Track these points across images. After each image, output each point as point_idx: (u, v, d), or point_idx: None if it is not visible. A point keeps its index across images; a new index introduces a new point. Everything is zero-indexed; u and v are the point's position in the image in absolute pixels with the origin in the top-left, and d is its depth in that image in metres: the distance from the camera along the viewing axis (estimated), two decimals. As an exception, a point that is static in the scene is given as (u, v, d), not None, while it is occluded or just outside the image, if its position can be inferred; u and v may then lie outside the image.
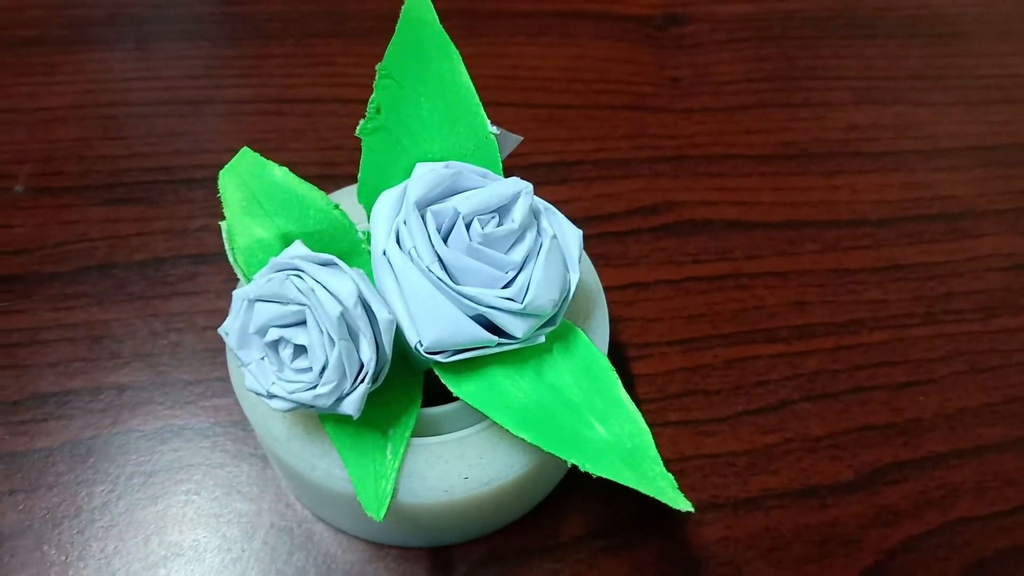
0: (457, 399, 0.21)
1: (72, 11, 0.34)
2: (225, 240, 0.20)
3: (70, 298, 0.26)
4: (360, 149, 0.21)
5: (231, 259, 0.20)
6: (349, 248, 0.21)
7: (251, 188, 0.21)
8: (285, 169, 0.21)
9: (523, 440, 0.19)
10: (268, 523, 0.23)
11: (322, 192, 0.21)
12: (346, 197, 0.23)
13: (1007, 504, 0.24)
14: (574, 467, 0.22)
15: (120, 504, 0.22)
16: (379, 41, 0.34)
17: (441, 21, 0.37)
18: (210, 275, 0.27)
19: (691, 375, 0.26)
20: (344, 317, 0.18)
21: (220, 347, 0.26)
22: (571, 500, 0.23)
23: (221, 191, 0.21)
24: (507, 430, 0.20)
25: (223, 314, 0.26)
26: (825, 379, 0.26)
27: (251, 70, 0.33)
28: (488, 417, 0.20)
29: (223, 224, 0.20)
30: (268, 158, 0.30)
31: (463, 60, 0.21)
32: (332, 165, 0.30)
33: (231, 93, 0.32)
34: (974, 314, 0.28)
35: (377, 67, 0.20)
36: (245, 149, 0.21)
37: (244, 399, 0.21)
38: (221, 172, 0.21)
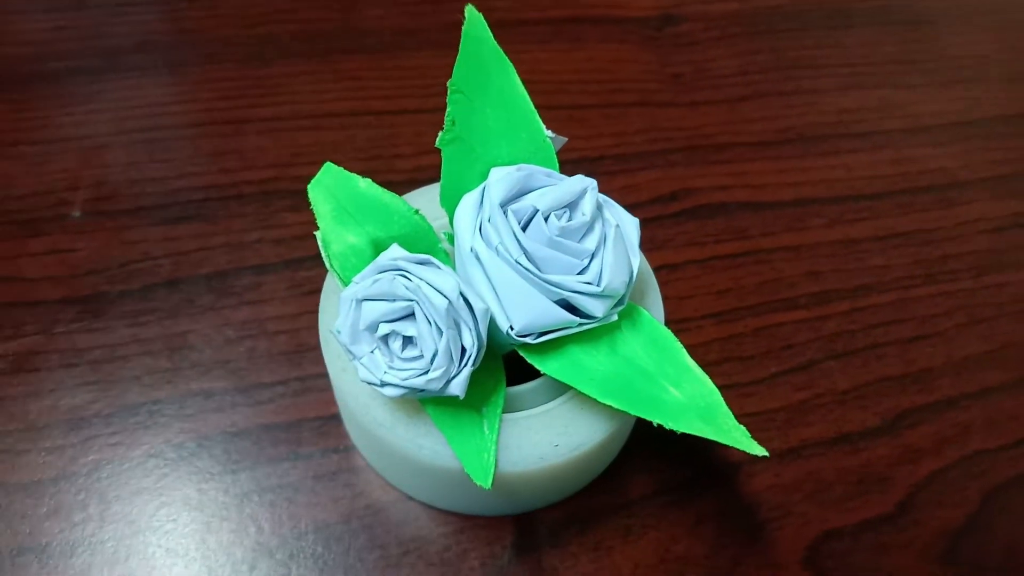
0: (536, 378, 0.24)
1: (102, 41, 0.36)
2: (321, 248, 0.22)
3: (143, 314, 0.28)
4: (439, 154, 0.23)
5: (328, 265, 0.22)
6: (428, 248, 0.23)
7: (338, 199, 0.23)
8: (368, 180, 0.23)
9: (601, 407, 0.22)
10: (364, 504, 0.25)
11: (402, 198, 0.23)
12: (412, 201, 0.26)
13: (1013, 437, 0.28)
14: (634, 432, 0.25)
15: (236, 495, 0.24)
16: (399, 54, 0.37)
17: (452, 32, 0.39)
18: (272, 283, 0.29)
19: (726, 344, 0.29)
20: (449, 309, 0.20)
21: (292, 349, 0.28)
22: (634, 463, 0.26)
23: (312, 203, 0.23)
24: (585, 400, 0.22)
25: (289, 318, 0.28)
26: (844, 339, 0.29)
27: (282, 88, 0.35)
28: (571, 389, 0.23)
29: (317, 234, 0.22)
30: (308, 170, 0.32)
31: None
32: (374, 174, 0.32)
33: (267, 111, 0.34)
34: (967, 273, 0.32)
35: (448, 83, 0.22)
36: (328, 164, 0.23)
37: (344, 392, 0.23)
38: (309, 186, 0.23)
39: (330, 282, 0.24)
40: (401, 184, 0.32)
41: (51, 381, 0.26)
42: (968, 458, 0.27)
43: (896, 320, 0.30)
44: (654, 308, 0.24)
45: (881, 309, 0.30)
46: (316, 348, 0.27)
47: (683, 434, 0.20)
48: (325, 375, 0.27)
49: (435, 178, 0.32)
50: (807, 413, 0.28)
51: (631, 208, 0.32)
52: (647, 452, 0.26)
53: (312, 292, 0.29)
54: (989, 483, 0.27)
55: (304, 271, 0.29)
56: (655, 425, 0.20)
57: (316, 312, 0.28)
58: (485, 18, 0.37)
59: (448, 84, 0.22)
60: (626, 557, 0.24)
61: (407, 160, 0.33)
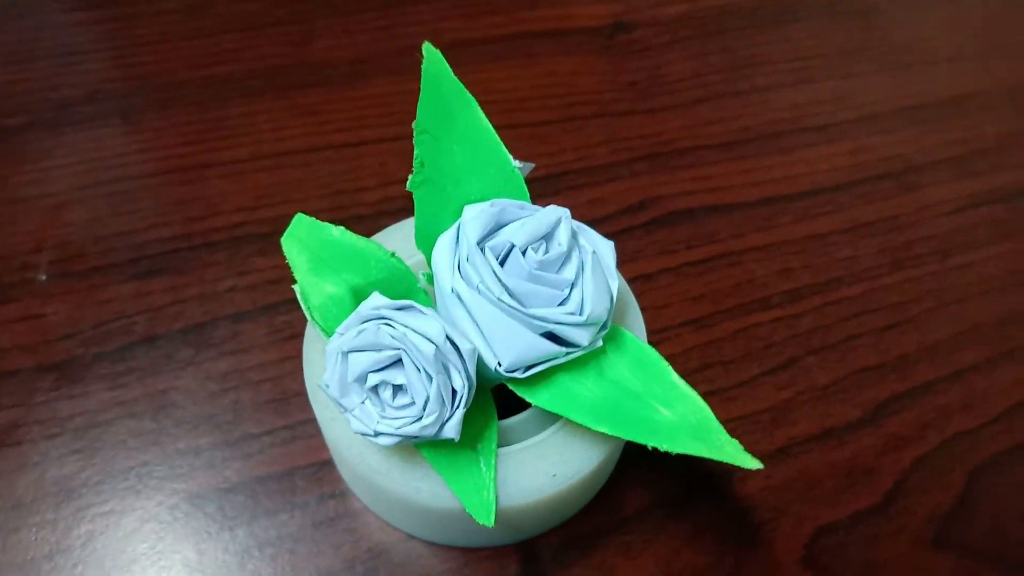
0: (525, 408, 0.24)
1: (52, 94, 0.35)
2: (300, 301, 0.22)
3: (122, 375, 0.28)
4: (405, 183, 0.23)
5: (309, 317, 0.22)
6: (407, 289, 0.23)
7: (313, 249, 0.23)
8: (341, 228, 0.23)
9: (594, 433, 0.22)
10: (365, 548, 0.25)
11: (377, 243, 0.23)
12: (385, 240, 0.26)
13: (990, 415, 0.28)
14: (624, 450, 0.25)
15: (236, 552, 0.24)
16: (356, 84, 0.37)
17: (406, 56, 0.39)
18: (250, 332, 0.29)
19: (706, 350, 0.29)
20: (437, 354, 0.20)
21: (277, 397, 0.27)
22: (627, 480, 0.26)
23: (287, 256, 0.23)
24: (578, 427, 0.23)
25: (271, 366, 0.28)
26: (820, 334, 0.30)
27: (241, 129, 0.34)
28: (563, 418, 0.23)
29: (296, 287, 0.22)
30: (275, 212, 0.32)
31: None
32: (339, 209, 0.32)
33: (227, 154, 0.33)
34: (932, 256, 0.32)
35: (413, 125, 0.22)
36: (299, 215, 0.23)
37: (336, 441, 0.23)
38: (283, 239, 0.23)
39: (311, 330, 0.24)
40: (369, 218, 0.32)
41: (35, 453, 0.26)
42: (949, 441, 0.28)
43: (868, 310, 0.31)
44: (635, 326, 0.25)
45: (853, 301, 0.31)
46: (301, 394, 0.27)
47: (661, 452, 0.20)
48: (313, 420, 0.27)
49: (403, 209, 0.32)
50: (791, 411, 0.28)
51: (600, 221, 0.32)
52: (639, 468, 0.26)
53: (291, 337, 0.29)
54: (971, 463, 0.27)
55: (281, 316, 0.29)
56: (649, 448, 0.21)
57: (297, 357, 0.28)
58: (435, 42, 0.37)
59: (413, 125, 0.22)
60: (630, 574, 0.25)
61: (372, 192, 0.33)
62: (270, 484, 0.26)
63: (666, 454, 0.21)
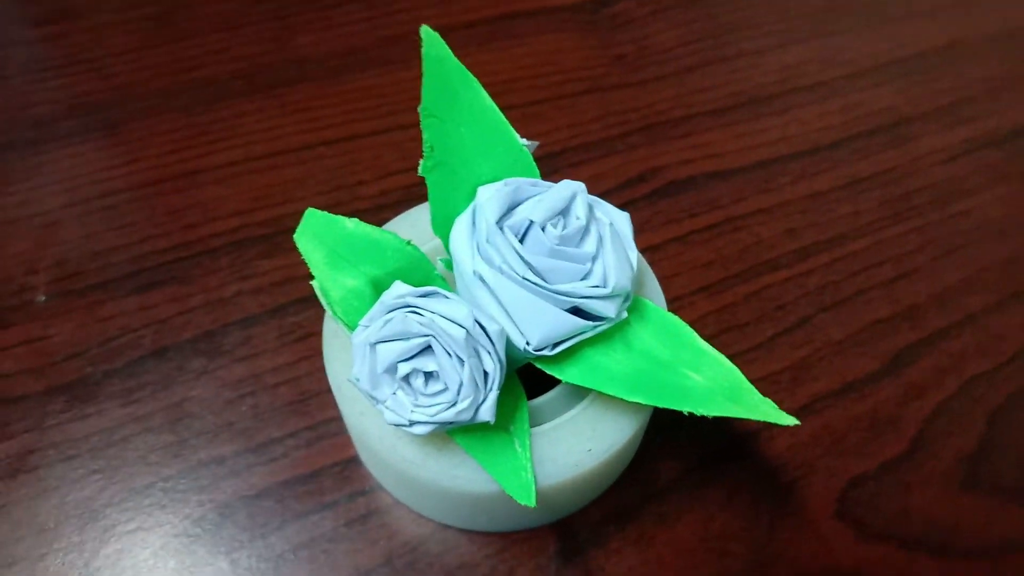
0: (552, 386, 0.24)
1: (32, 111, 0.34)
2: (320, 297, 0.22)
3: (135, 390, 0.27)
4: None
5: (331, 313, 0.22)
6: (425, 277, 0.23)
7: (328, 244, 0.22)
8: (355, 219, 0.22)
9: (624, 403, 0.22)
10: (401, 541, 0.24)
11: (393, 232, 0.22)
12: (396, 230, 0.25)
13: (1004, 356, 0.29)
14: (649, 424, 0.25)
15: (270, 559, 0.24)
16: (342, 78, 0.36)
17: (392, 47, 0.38)
18: (261, 335, 0.28)
19: (720, 315, 0.29)
20: (468, 338, 0.20)
21: (296, 399, 0.27)
22: (655, 450, 0.26)
23: (302, 253, 0.22)
24: (608, 400, 0.22)
25: (286, 368, 0.28)
26: (830, 290, 0.30)
27: (231, 131, 0.34)
28: (591, 393, 0.23)
29: (314, 283, 0.22)
30: (274, 213, 0.32)
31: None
32: (339, 206, 0.32)
33: (219, 158, 0.33)
34: (931, 206, 0.33)
35: (419, 109, 0.22)
36: (310, 210, 0.23)
37: (367, 435, 0.22)
38: (295, 236, 0.22)
39: (329, 326, 0.24)
40: (369, 211, 0.31)
41: (53, 478, 0.25)
42: (967, 384, 0.28)
43: (875, 263, 0.31)
44: (655, 296, 0.25)
45: (859, 255, 0.31)
46: (320, 394, 0.27)
47: (700, 415, 0.20)
48: (335, 419, 0.26)
49: (402, 200, 0.32)
50: (810, 368, 0.28)
51: (603, 196, 0.32)
52: (665, 437, 0.26)
53: (303, 337, 0.28)
54: (991, 404, 0.28)
55: (291, 317, 0.29)
56: (686, 413, 0.20)
57: (313, 357, 0.28)
58: (419, 28, 0.37)
59: (419, 109, 0.22)
60: (668, 544, 0.25)
61: (370, 186, 0.32)
62: (297, 487, 0.25)
63: (692, 420, 0.21)
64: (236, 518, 0.25)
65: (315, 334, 0.28)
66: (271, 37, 0.37)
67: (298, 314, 0.29)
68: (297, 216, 0.31)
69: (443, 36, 0.22)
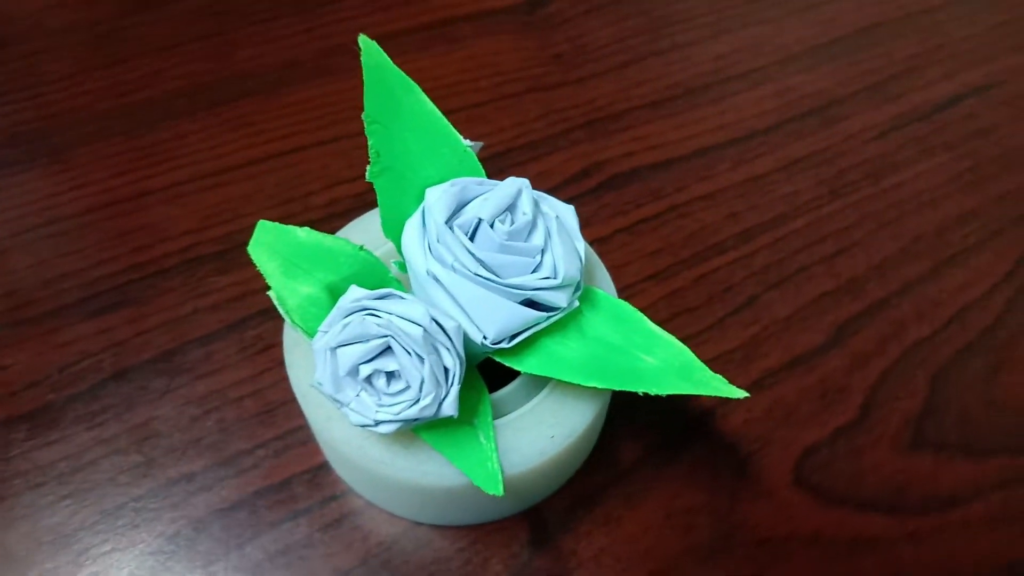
0: (511, 379, 0.25)
1: (-31, 144, 0.34)
2: (277, 305, 0.22)
3: (98, 414, 0.27)
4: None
5: (289, 321, 0.22)
6: (380, 280, 0.23)
7: (282, 253, 0.23)
8: (306, 228, 0.23)
9: (583, 390, 0.23)
10: (376, 542, 0.25)
11: (345, 239, 0.23)
12: (349, 237, 0.26)
13: (940, 321, 0.30)
14: (610, 409, 0.26)
15: (248, 569, 0.24)
16: (284, 91, 0.36)
17: (332, 57, 0.39)
18: (221, 351, 0.29)
19: (671, 300, 0.30)
20: (426, 336, 0.20)
21: (261, 410, 0.27)
22: (617, 434, 0.27)
23: (256, 263, 0.23)
24: (567, 387, 0.23)
25: (248, 381, 0.28)
26: (774, 269, 0.31)
27: (175, 151, 0.34)
28: (551, 382, 0.23)
29: (270, 292, 0.22)
30: (225, 229, 0.32)
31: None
32: (290, 217, 0.32)
33: (165, 179, 0.33)
34: (866, 181, 0.34)
35: (363, 116, 0.23)
36: (262, 222, 0.23)
37: (334, 440, 0.23)
38: (249, 247, 0.23)
39: (290, 336, 0.24)
40: (321, 221, 0.32)
41: (21, 506, 0.25)
42: (909, 350, 0.29)
43: (815, 240, 0.32)
44: (605, 285, 0.25)
45: (800, 233, 0.32)
46: (284, 403, 0.27)
47: (656, 395, 0.21)
48: (301, 427, 0.27)
49: (352, 208, 0.32)
50: (759, 345, 0.29)
51: (550, 192, 0.33)
52: (625, 421, 0.27)
53: (263, 350, 0.29)
54: (932, 367, 0.29)
55: (250, 330, 0.29)
56: (641, 394, 0.21)
57: (274, 368, 0.28)
58: (359, 37, 0.37)
59: (363, 116, 0.23)
60: (636, 522, 0.25)
61: (320, 195, 0.33)
62: (270, 496, 0.26)
63: (646, 402, 0.22)
64: (211, 531, 0.25)
65: (276, 345, 0.28)
66: (210, 55, 0.37)
67: (257, 327, 0.29)
68: (249, 231, 0.32)
69: (383, 43, 0.23)
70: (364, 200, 0.32)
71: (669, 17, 0.40)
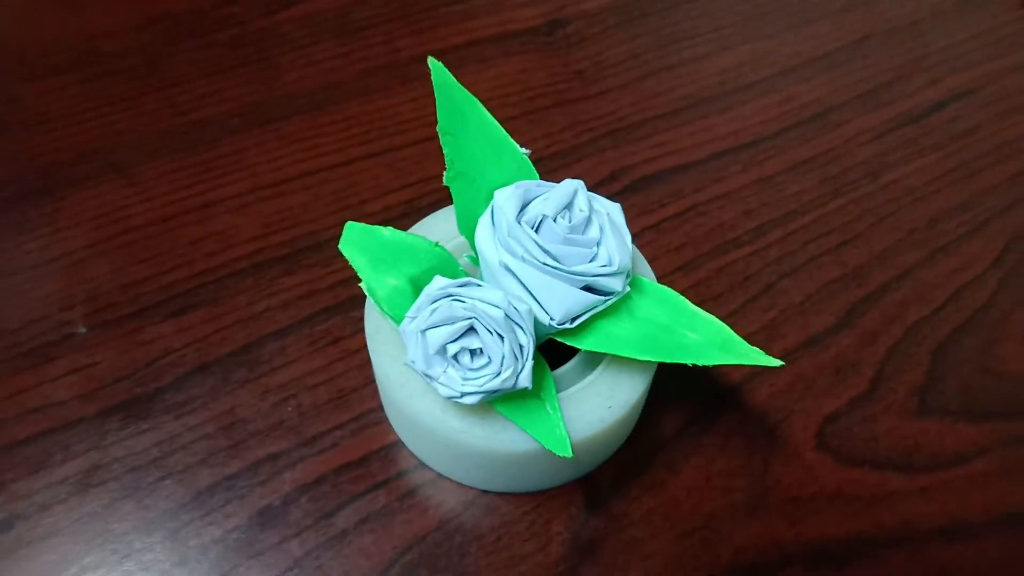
0: (569, 358, 0.28)
1: (39, 160, 0.36)
2: (368, 295, 0.25)
3: (185, 403, 0.30)
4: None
5: (380, 310, 0.25)
6: (453, 273, 0.26)
7: (369, 250, 0.26)
8: (390, 228, 0.26)
9: (634, 364, 0.26)
10: (448, 508, 0.28)
11: (423, 236, 0.26)
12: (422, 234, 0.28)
13: (939, 301, 0.34)
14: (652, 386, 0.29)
15: (335, 537, 0.27)
16: (330, 109, 0.39)
17: (370, 78, 0.42)
18: (294, 344, 0.31)
19: (697, 289, 0.33)
20: (506, 317, 0.23)
21: (335, 396, 0.30)
22: (659, 409, 0.30)
23: (348, 259, 0.25)
24: (620, 363, 0.26)
25: (322, 371, 0.31)
26: (788, 259, 0.35)
27: (235, 165, 0.36)
28: (605, 358, 0.26)
29: (362, 284, 0.25)
30: (288, 235, 0.35)
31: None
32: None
33: (228, 190, 0.36)
34: (865, 179, 0.38)
35: (438, 129, 0.26)
36: (350, 223, 0.26)
37: (417, 413, 0.25)
38: (340, 245, 0.26)
39: (371, 324, 0.27)
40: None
41: (121, 488, 0.28)
42: (911, 328, 0.33)
43: (822, 233, 0.35)
44: (647, 273, 0.29)
45: (808, 227, 0.36)
46: (356, 389, 0.30)
47: (694, 369, 0.24)
48: (373, 410, 0.30)
49: (404, 214, 0.35)
50: (778, 327, 0.32)
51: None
52: (664, 398, 0.30)
53: (333, 342, 0.31)
54: (932, 343, 0.32)
55: (319, 325, 0.32)
56: (689, 365, 0.24)
57: (344, 359, 0.31)
58: (394, 60, 0.41)
59: (437, 129, 0.26)
60: (679, 486, 0.28)
61: (373, 203, 0.36)
62: (349, 472, 0.28)
63: (687, 379, 0.25)
64: (299, 503, 0.27)
65: (343, 338, 0.31)
66: (257, 78, 0.40)
67: (325, 322, 0.32)
68: (311, 236, 0.35)
69: (418, 66, 0.26)
70: (413, 207, 0.35)
71: (677, 35, 0.44)
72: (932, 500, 0.29)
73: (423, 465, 0.29)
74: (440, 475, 0.28)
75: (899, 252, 0.35)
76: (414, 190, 0.36)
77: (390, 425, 0.29)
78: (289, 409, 0.30)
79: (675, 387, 0.30)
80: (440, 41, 0.42)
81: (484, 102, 0.25)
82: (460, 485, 0.28)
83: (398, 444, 0.29)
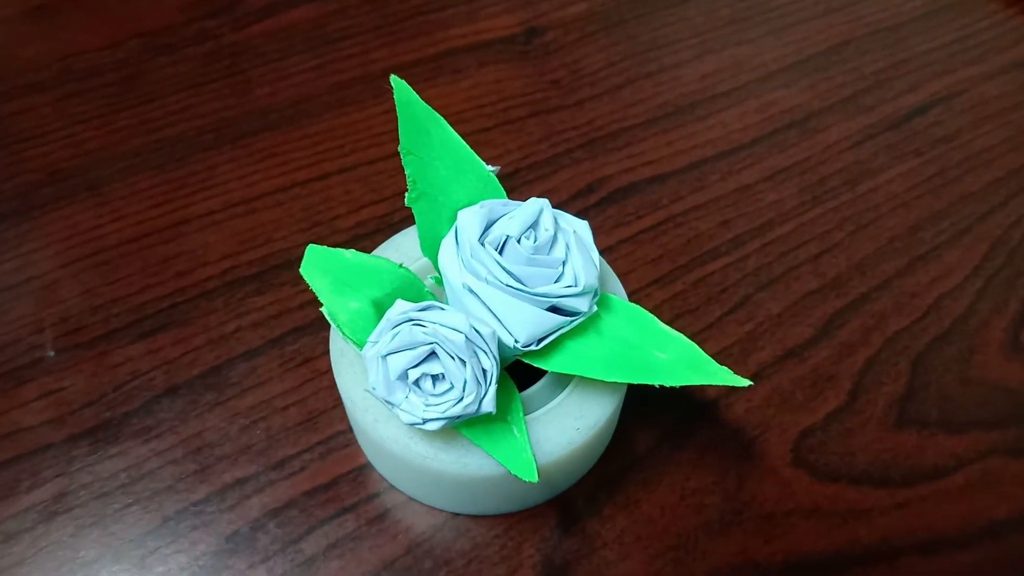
0: (537, 379, 0.27)
1: (12, 182, 0.36)
2: (330, 320, 0.25)
3: (153, 428, 0.29)
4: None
5: (341, 334, 0.25)
6: (418, 294, 0.26)
7: (331, 273, 0.25)
8: (351, 250, 0.25)
9: (604, 385, 0.26)
10: (418, 532, 0.27)
11: (386, 259, 0.26)
12: (386, 256, 0.28)
13: (919, 311, 0.33)
14: (624, 403, 0.29)
15: (303, 563, 0.26)
16: (303, 123, 0.39)
17: (343, 90, 0.41)
18: (266, 365, 0.31)
19: (673, 303, 0.33)
20: (467, 342, 0.23)
21: (305, 418, 0.30)
22: (633, 425, 0.30)
23: (309, 283, 0.25)
24: (588, 383, 0.26)
25: (292, 392, 0.30)
26: (765, 271, 0.34)
27: (206, 182, 0.36)
28: (574, 379, 0.26)
29: (323, 309, 0.25)
30: (260, 253, 0.35)
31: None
32: (319, 240, 0.34)
33: (199, 208, 0.35)
34: (844, 187, 0.37)
35: (399, 149, 0.25)
36: (311, 246, 0.25)
37: (383, 439, 0.25)
38: (301, 269, 0.25)
39: (335, 347, 0.27)
40: (348, 243, 0.34)
41: (89, 515, 0.27)
42: (891, 339, 0.32)
43: (801, 243, 0.35)
44: (617, 290, 0.28)
45: (786, 237, 0.35)
46: (325, 412, 0.30)
47: (666, 387, 0.24)
48: (343, 432, 0.29)
49: (376, 230, 0.35)
50: (755, 340, 0.32)
51: (557, 208, 0.36)
52: (638, 413, 0.30)
53: (303, 363, 0.31)
54: (912, 352, 0.32)
55: (289, 345, 0.31)
56: (656, 386, 0.24)
57: (314, 379, 0.31)
58: (367, 72, 0.40)
59: (399, 149, 0.25)
60: (653, 504, 0.28)
61: (345, 219, 0.35)
62: (319, 496, 0.28)
63: (660, 396, 0.24)
64: (266, 529, 0.27)
65: (314, 358, 0.31)
66: (230, 92, 0.40)
67: (296, 342, 0.31)
68: (283, 253, 0.34)
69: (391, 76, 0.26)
70: (387, 222, 0.35)
71: (655, 41, 0.43)
72: (910, 514, 0.28)
73: (393, 488, 0.28)
74: (410, 498, 0.28)
75: (879, 261, 0.35)
76: (388, 204, 0.36)
77: (360, 447, 0.29)
78: (258, 432, 0.29)
79: (651, 402, 0.30)
80: (415, 52, 0.42)
81: (458, 113, 0.24)
82: (430, 508, 0.28)
83: (368, 467, 0.29)
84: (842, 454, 0.29)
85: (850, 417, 0.30)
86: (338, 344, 0.26)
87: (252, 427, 0.29)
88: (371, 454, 0.28)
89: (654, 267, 0.34)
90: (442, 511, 0.28)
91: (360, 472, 0.28)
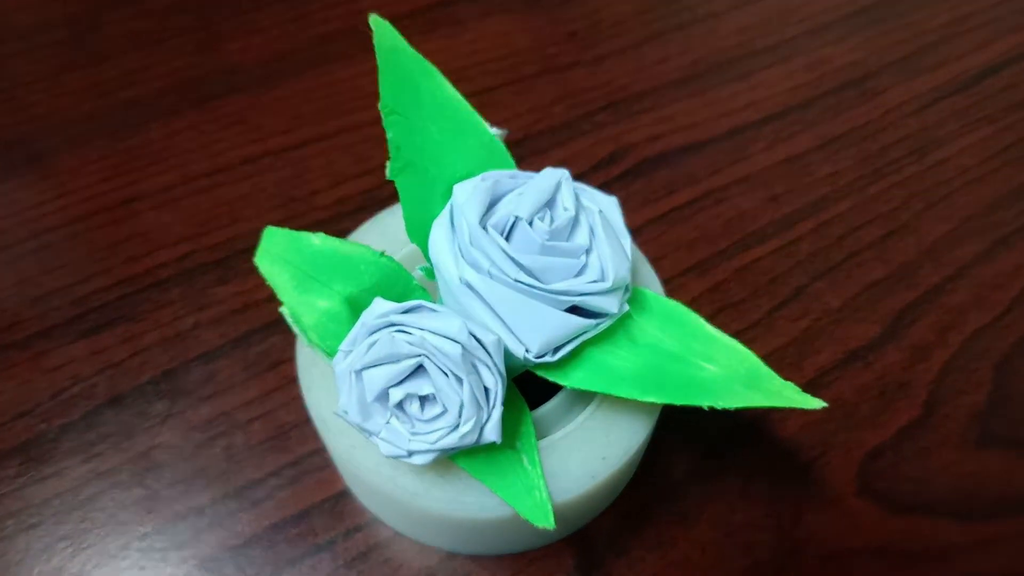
0: (551, 395, 0.22)
1: (-61, 154, 0.31)
2: (291, 323, 0.20)
3: (95, 444, 0.25)
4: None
5: (306, 340, 0.20)
6: (404, 289, 0.21)
7: (294, 264, 0.20)
8: (321, 234, 0.20)
9: (634, 404, 0.21)
10: (408, 575, 0.23)
11: (365, 245, 0.20)
12: (364, 240, 0.23)
13: (1002, 305, 0.28)
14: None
15: (257, 620, 0.22)
16: (279, 83, 0.34)
17: (326, 45, 0.36)
18: (225, 370, 0.26)
19: (713, 294, 0.28)
20: (464, 354, 0.18)
21: (272, 434, 0.25)
22: (665, 444, 0.25)
23: (265, 277, 0.20)
24: (616, 401, 0.21)
25: (257, 403, 0.26)
26: (821, 256, 0.29)
27: (164, 152, 0.31)
28: (597, 396, 0.21)
29: (283, 309, 0.20)
30: (224, 235, 0.30)
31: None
32: (295, 219, 0.29)
33: (156, 182, 0.30)
34: (909, 158, 0.32)
35: (380, 107, 0.20)
36: (269, 228, 0.20)
37: (361, 469, 0.20)
38: (256, 259, 0.20)
39: (304, 354, 0.22)
40: (328, 222, 0.29)
41: (15, 551, 0.23)
42: (970, 339, 0.27)
43: (862, 224, 0.30)
44: (652, 283, 0.23)
45: (844, 217, 0.30)
46: (298, 425, 0.25)
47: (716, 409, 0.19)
48: (318, 452, 0.24)
49: (362, 207, 0.30)
50: (812, 341, 0.27)
51: (576, 181, 0.31)
52: (670, 429, 0.25)
53: (271, 367, 0.26)
54: (995, 356, 0.27)
55: (255, 347, 0.27)
56: (706, 408, 0.19)
57: (284, 388, 0.26)
58: (355, 24, 0.35)
59: (380, 107, 0.20)
60: (691, 543, 0.23)
61: (326, 195, 0.30)
62: (288, 530, 0.23)
63: (697, 409, 0.20)
64: (224, 572, 0.22)
65: (285, 361, 0.26)
66: (195, 49, 0.35)
67: (263, 342, 0.27)
68: (251, 236, 0.29)
69: None
70: (375, 197, 0.30)
71: (687, -12, 0.38)
72: (999, 554, 0.23)
73: (377, 520, 0.23)
74: (397, 533, 0.23)
75: (953, 246, 0.29)
76: (375, 177, 0.30)
77: (337, 471, 0.24)
78: (216, 451, 0.25)
79: (687, 417, 0.25)
80: (407, 2, 0.36)
81: (458, 70, 0.20)
82: (423, 546, 0.23)
83: (346, 494, 0.24)
84: (917, 479, 0.24)
85: (926, 433, 0.25)
86: (306, 353, 0.22)
87: (210, 445, 0.25)
88: (351, 483, 0.23)
89: (689, 252, 0.29)
90: (436, 550, 0.23)
91: (338, 501, 0.24)
